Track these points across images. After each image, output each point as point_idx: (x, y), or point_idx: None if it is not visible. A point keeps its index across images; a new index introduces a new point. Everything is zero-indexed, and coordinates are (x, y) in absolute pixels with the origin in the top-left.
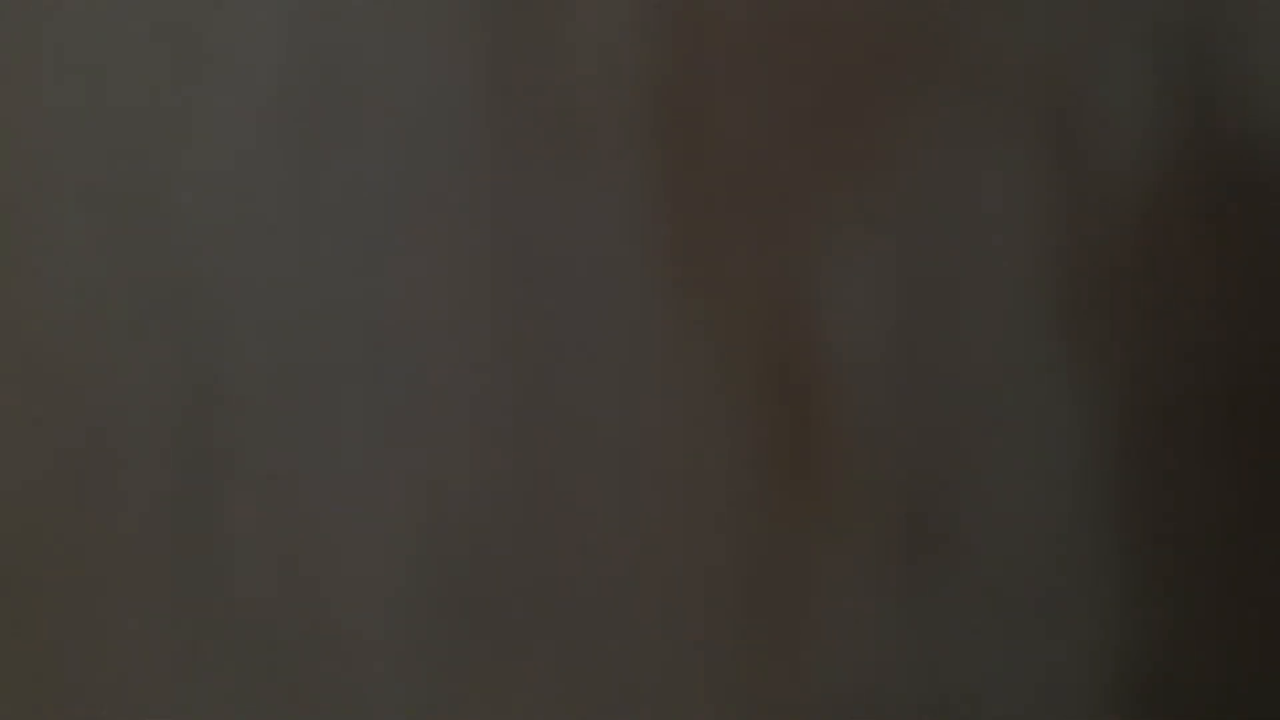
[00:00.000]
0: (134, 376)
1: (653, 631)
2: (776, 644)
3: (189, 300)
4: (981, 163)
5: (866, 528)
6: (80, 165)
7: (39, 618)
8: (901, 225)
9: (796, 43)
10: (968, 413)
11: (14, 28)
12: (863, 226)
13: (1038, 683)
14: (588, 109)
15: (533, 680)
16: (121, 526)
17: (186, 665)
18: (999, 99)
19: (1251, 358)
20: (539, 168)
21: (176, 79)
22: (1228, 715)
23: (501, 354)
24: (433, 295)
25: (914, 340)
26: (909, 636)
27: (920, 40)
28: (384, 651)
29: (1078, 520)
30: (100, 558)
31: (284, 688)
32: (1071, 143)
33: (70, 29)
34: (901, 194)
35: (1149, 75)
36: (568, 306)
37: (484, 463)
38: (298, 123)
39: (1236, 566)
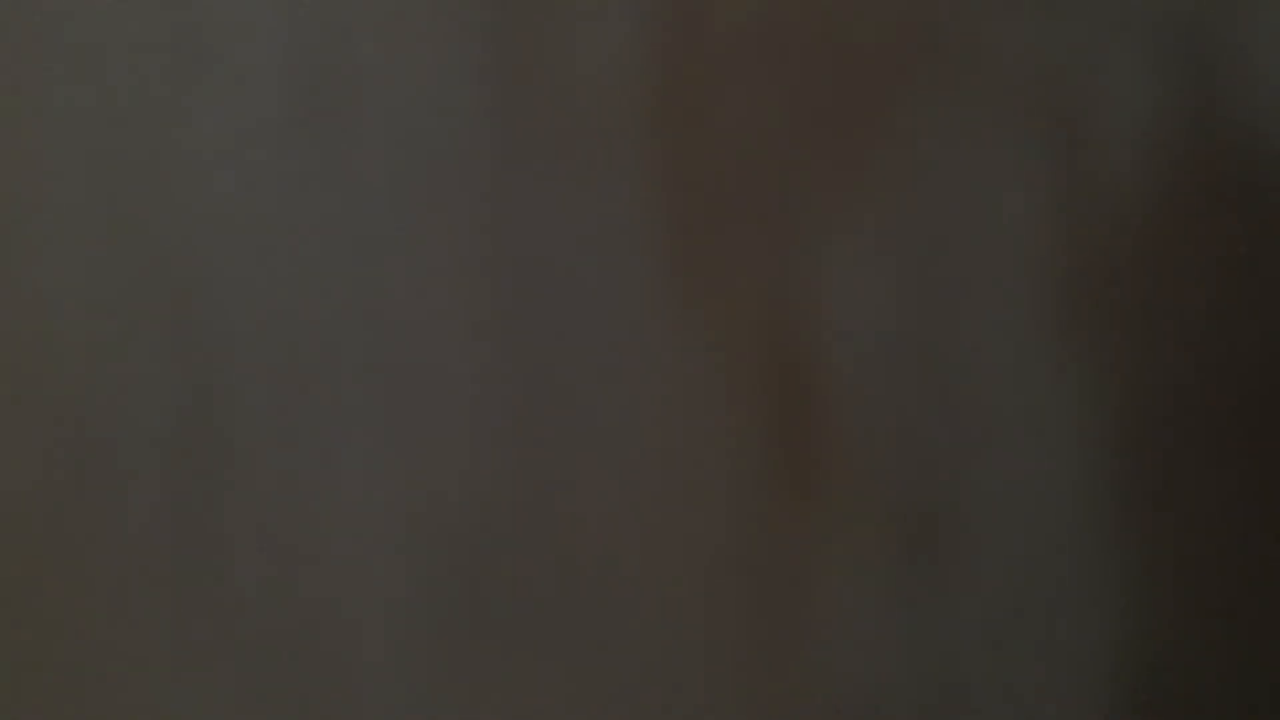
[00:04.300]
0: (134, 376)
1: (653, 631)
2: (777, 644)
3: (189, 300)
4: (982, 163)
5: (867, 527)
6: (80, 165)
7: (39, 618)
8: (902, 225)
9: (797, 43)
10: (968, 412)
11: (14, 27)
12: (863, 226)
13: (1038, 683)
14: (588, 108)
15: (533, 680)
16: (122, 526)
17: (186, 665)
18: (999, 99)
19: (1251, 358)
20: (539, 167)
21: (177, 79)
22: (1228, 715)
23: (501, 353)
24: (433, 295)
25: (914, 340)
26: (909, 636)
27: (921, 40)
28: (384, 651)
29: (1078, 520)
30: (100, 557)
31: (284, 687)
32: (1072, 142)
33: (70, 29)
34: (902, 194)
35: (1149, 75)
36: (568, 306)
37: (484, 462)
38: (298, 122)
39: (1236, 566)
